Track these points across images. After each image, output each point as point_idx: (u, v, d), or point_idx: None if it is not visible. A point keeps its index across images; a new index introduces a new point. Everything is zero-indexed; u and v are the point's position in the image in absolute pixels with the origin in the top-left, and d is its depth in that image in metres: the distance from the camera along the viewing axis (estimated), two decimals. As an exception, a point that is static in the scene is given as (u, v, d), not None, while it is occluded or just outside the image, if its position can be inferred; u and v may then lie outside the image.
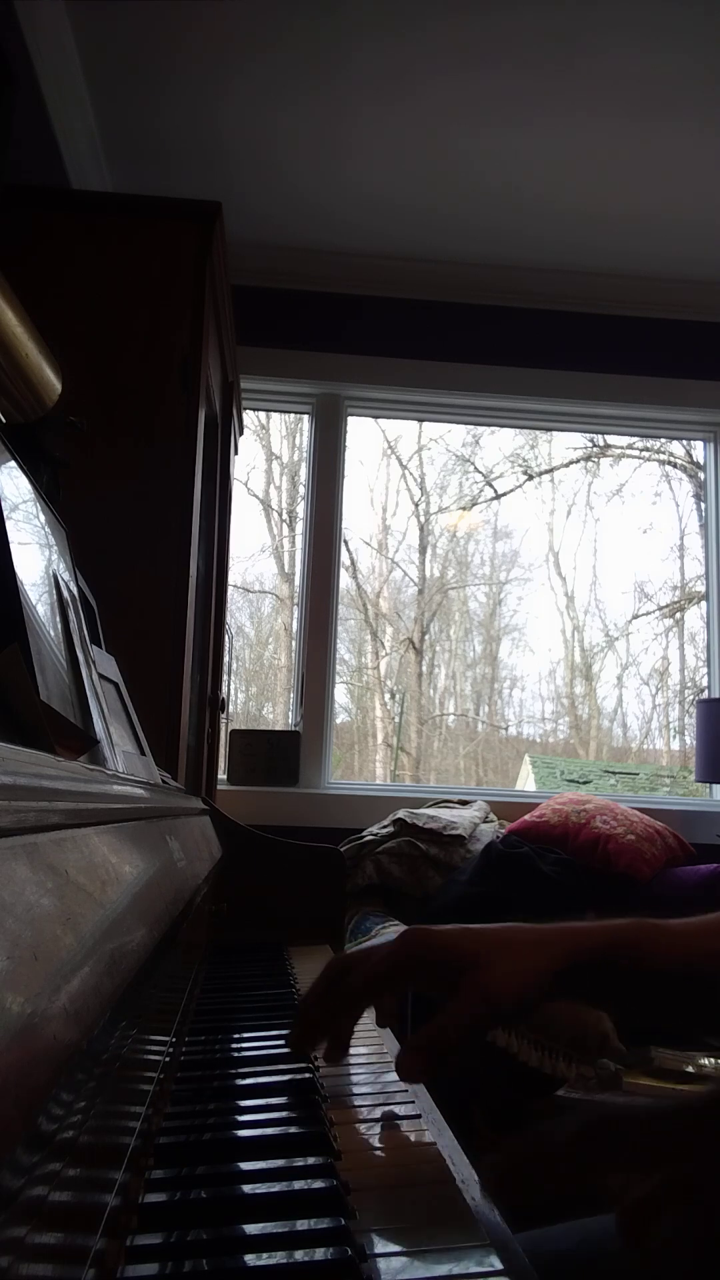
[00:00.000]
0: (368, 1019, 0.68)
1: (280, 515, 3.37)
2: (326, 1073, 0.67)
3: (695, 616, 3.28)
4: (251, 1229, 0.41)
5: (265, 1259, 0.39)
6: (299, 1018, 0.63)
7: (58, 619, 0.70)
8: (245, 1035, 0.77)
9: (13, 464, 0.76)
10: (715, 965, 0.61)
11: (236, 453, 2.69)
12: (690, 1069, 1.76)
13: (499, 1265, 0.39)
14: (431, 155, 2.52)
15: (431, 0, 2.04)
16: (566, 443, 3.35)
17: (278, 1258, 0.39)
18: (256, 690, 3.44)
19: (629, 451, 3.36)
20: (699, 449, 3.29)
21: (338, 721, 3.03)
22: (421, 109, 2.36)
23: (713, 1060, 1.77)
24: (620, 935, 0.61)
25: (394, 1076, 0.68)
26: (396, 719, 3.35)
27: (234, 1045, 0.75)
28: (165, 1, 2.05)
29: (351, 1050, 0.75)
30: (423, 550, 3.39)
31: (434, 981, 0.61)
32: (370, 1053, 0.74)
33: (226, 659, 2.51)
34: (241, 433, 2.76)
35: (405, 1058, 0.56)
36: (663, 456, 3.36)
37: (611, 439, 3.34)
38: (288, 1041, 0.64)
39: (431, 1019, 0.57)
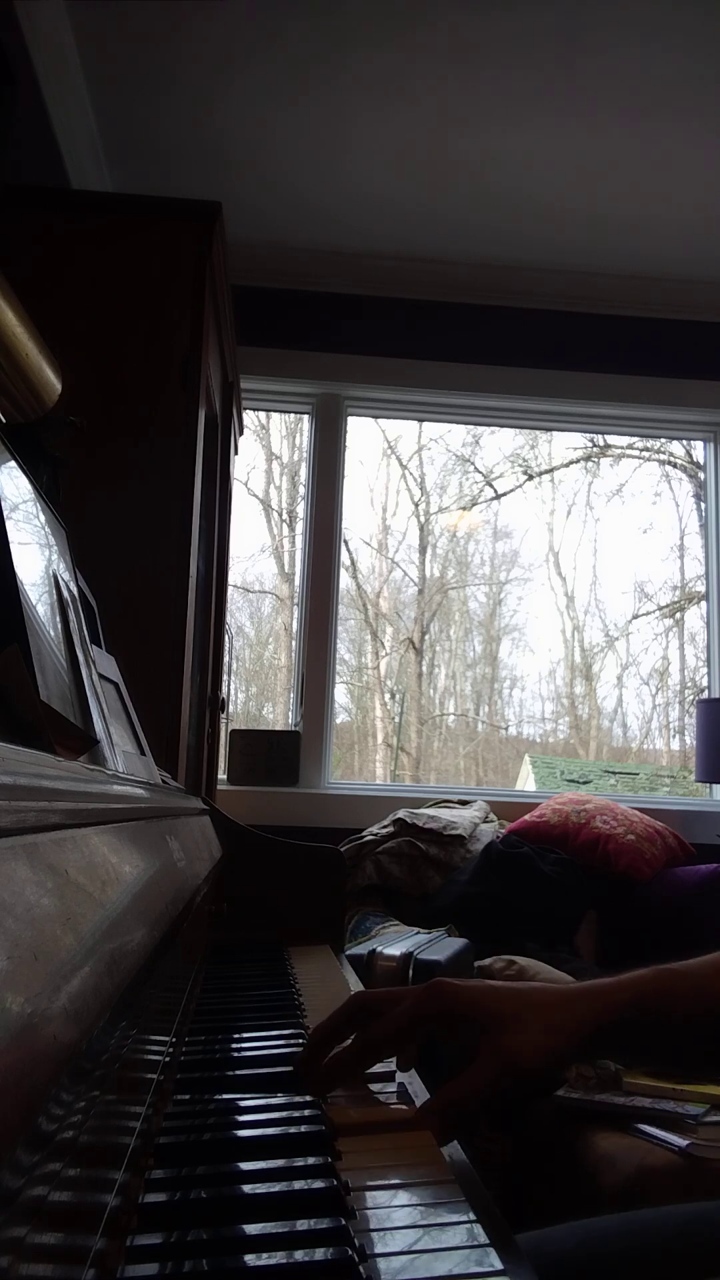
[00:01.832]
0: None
1: (280, 515, 3.37)
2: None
3: (695, 616, 3.28)
4: (251, 1229, 0.41)
5: (265, 1259, 0.39)
6: (312, 1050, 0.61)
7: (58, 619, 0.70)
8: (245, 1035, 0.77)
9: (13, 464, 0.76)
10: None
11: (236, 453, 2.69)
12: (690, 1069, 1.76)
13: (499, 1265, 0.39)
14: (431, 156, 2.52)
15: (431, 1, 2.04)
16: (566, 443, 3.35)
17: (278, 1258, 0.39)
18: (256, 690, 3.44)
19: (629, 451, 3.36)
20: (699, 449, 3.29)
21: (338, 721, 3.03)
22: (421, 110, 2.36)
23: (713, 1060, 1.77)
24: (645, 989, 0.60)
25: (395, 1076, 0.68)
26: (396, 719, 3.35)
27: (234, 1045, 0.75)
28: (165, 1, 2.05)
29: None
30: (423, 550, 3.39)
31: (455, 1034, 0.60)
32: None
33: (226, 659, 2.51)
34: (241, 433, 2.76)
35: (424, 1120, 0.56)
36: (663, 456, 3.36)
37: (611, 439, 3.34)
38: (303, 1079, 0.61)
39: (452, 1081, 0.57)
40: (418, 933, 1.99)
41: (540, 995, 0.59)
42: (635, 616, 3.36)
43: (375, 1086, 0.65)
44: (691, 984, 0.61)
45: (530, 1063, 0.56)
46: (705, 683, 3.17)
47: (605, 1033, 0.59)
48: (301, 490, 3.18)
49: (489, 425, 3.29)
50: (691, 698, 3.23)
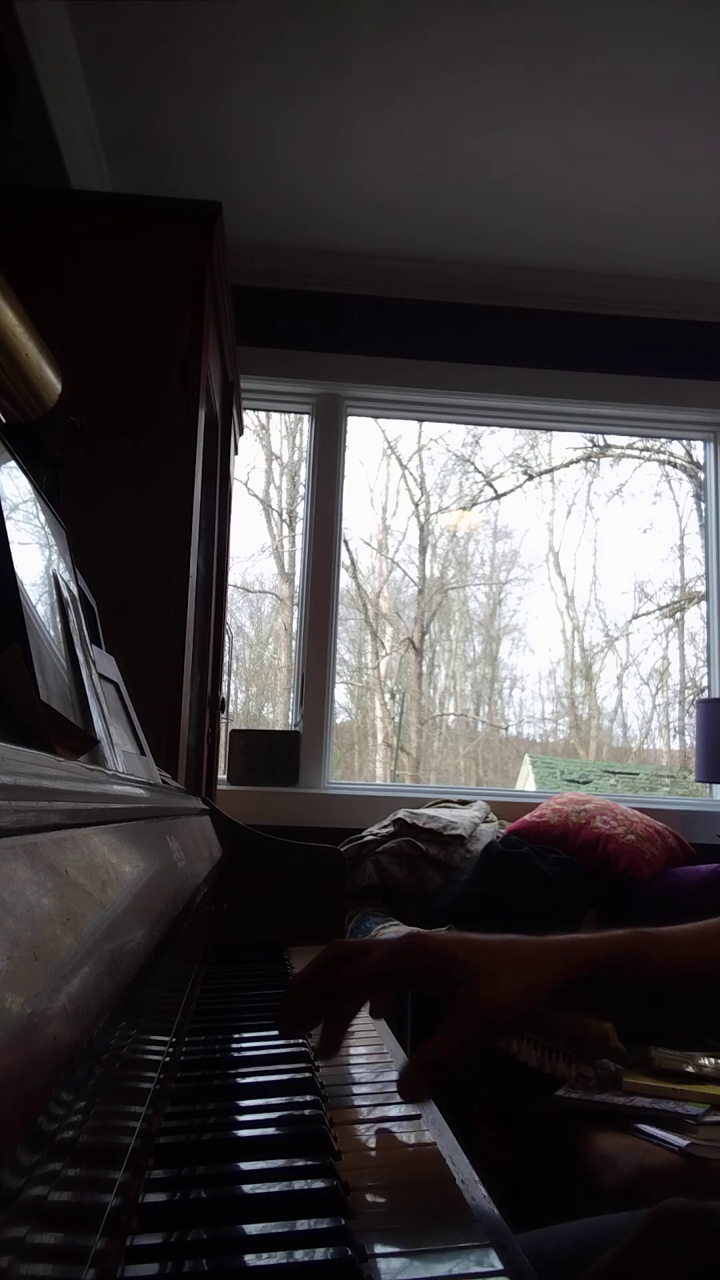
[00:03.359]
0: (362, 1017, 0.67)
1: (280, 515, 3.37)
2: (326, 1072, 0.67)
3: (695, 616, 3.28)
4: (251, 1229, 0.41)
5: (265, 1259, 0.39)
6: (291, 997, 0.62)
7: (58, 619, 0.70)
8: (245, 1035, 0.77)
9: (13, 464, 0.76)
10: (708, 972, 0.62)
11: (236, 453, 2.69)
12: (690, 1069, 1.76)
13: (499, 1265, 0.39)
14: (431, 155, 2.52)
15: (431, 0, 2.04)
16: (566, 443, 3.35)
17: (278, 1258, 0.39)
18: (256, 690, 3.44)
19: (629, 451, 3.36)
20: (699, 449, 3.29)
21: (338, 721, 3.03)
22: (421, 109, 2.36)
23: (713, 1060, 1.77)
24: (617, 948, 0.61)
25: (393, 1075, 0.68)
26: (396, 719, 3.35)
27: (234, 1045, 0.75)
28: (165, 2, 2.05)
29: (351, 1050, 0.76)
30: (423, 550, 3.39)
31: (430, 986, 0.61)
32: (370, 1052, 0.74)
33: (226, 659, 2.51)
34: (241, 433, 2.76)
35: (408, 1079, 0.56)
36: (663, 456, 3.36)
37: (611, 439, 3.34)
38: (279, 1021, 0.63)
39: (431, 1038, 0.57)
40: (418, 933, 1.99)
41: (514, 947, 0.60)
42: (635, 616, 3.36)
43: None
44: (664, 948, 0.62)
45: (505, 1011, 0.57)
46: (705, 683, 3.17)
47: (577, 985, 0.60)
48: (301, 490, 3.18)
49: (489, 425, 3.29)
50: (691, 698, 3.23)
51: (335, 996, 0.60)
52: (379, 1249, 0.41)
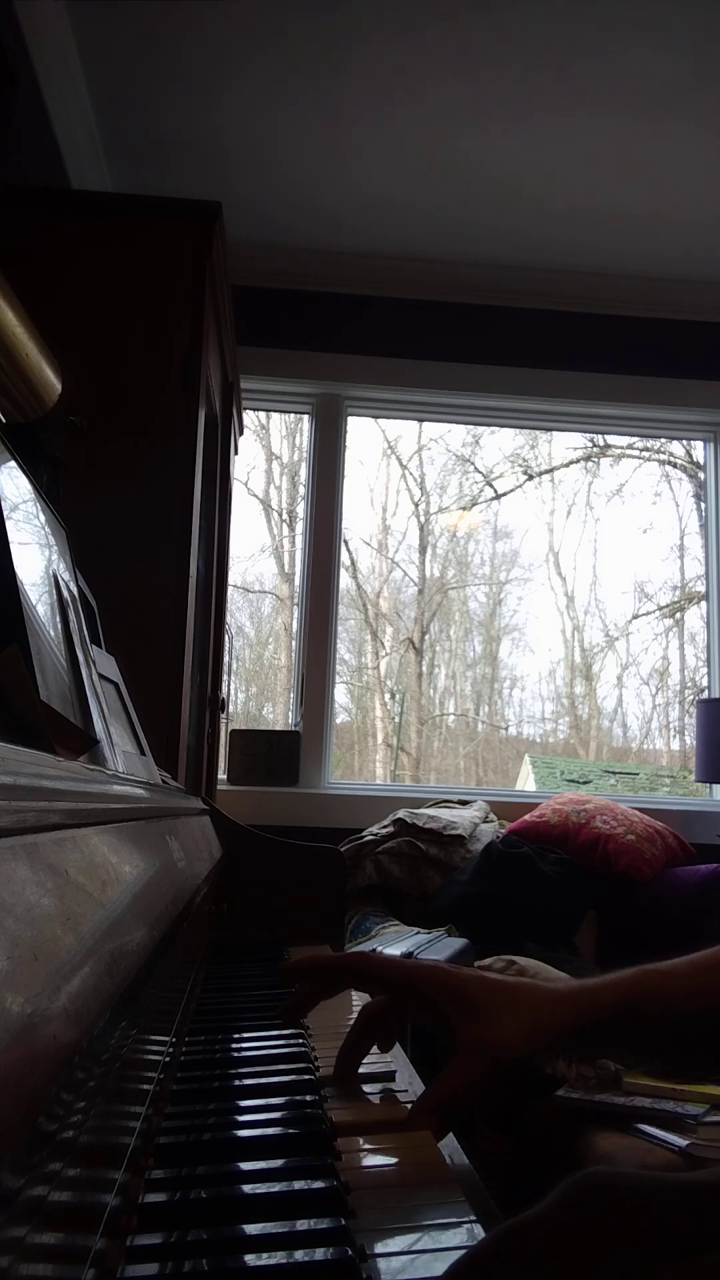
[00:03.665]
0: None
1: (280, 515, 3.37)
2: (326, 1072, 0.67)
3: (695, 616, 3.28)
4: (251, 1229, 0.41)
5: (265, 1259, 0.39)
6: (297, 996, 0.65)
7: (58, 619, 0.70)
8: (245, 1035, 0.77)
9: (13, 464, 0.76)
10: (715, 1002, 0.62)
11: (236, 453, 2.69)
12: (690, 1069, 1.75)
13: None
14: (431, 155, 2.52)
15: (431, 0, 2.04)
16: (566, 443, 3.35)
17: (278, 1258, 0.39)
18: (256, 690, 3.44)
19: (629, 451, 3.36)
20: (699, 449, 3.29)
21: (338, 721, 3.03)
22: (421, 109, 2.36)
23: (713, 1060, 1.77)
24: (627, 991, 0.61)
25: (394, 1072, 0.68)
26: (396, 719, 3.35)
27: (234, 1045, 0.75)
28: (165, 2, 2.05)
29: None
30: (423, 550, 3.39)
31: (436, 1018, 0.61)
32: (373, 1058, 0.74)
33: (226, 659, 2.51)
34: (241, 433, 2.76)
35: (418, 1119, 0.56)
36: (663, 456, 3.36)
37: (611, 439, 3.34)
38: (284, 1015, 0.66)
39: (441, 1077, 0.58)
40: (418, 933, 1.99)
41: (527, 992, 0.60)
42: (635, 616, 3.36)
43: (369, 1087, 0.65)
44: (677, 984, 0.62)
45: (511, 1053, 0.57)
46: (705, 683, 3.17)
47: (593, 1032, 0.60)
48: (301, 490, 3.18)
49: (489, 425, 3.29)
50: (691, 698, 3.23)
51: (346, 969, 0.61)
52: (379, 1249, 0.41)
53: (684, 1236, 0.35)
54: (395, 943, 1.74)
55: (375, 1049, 0.69)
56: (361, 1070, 0.67)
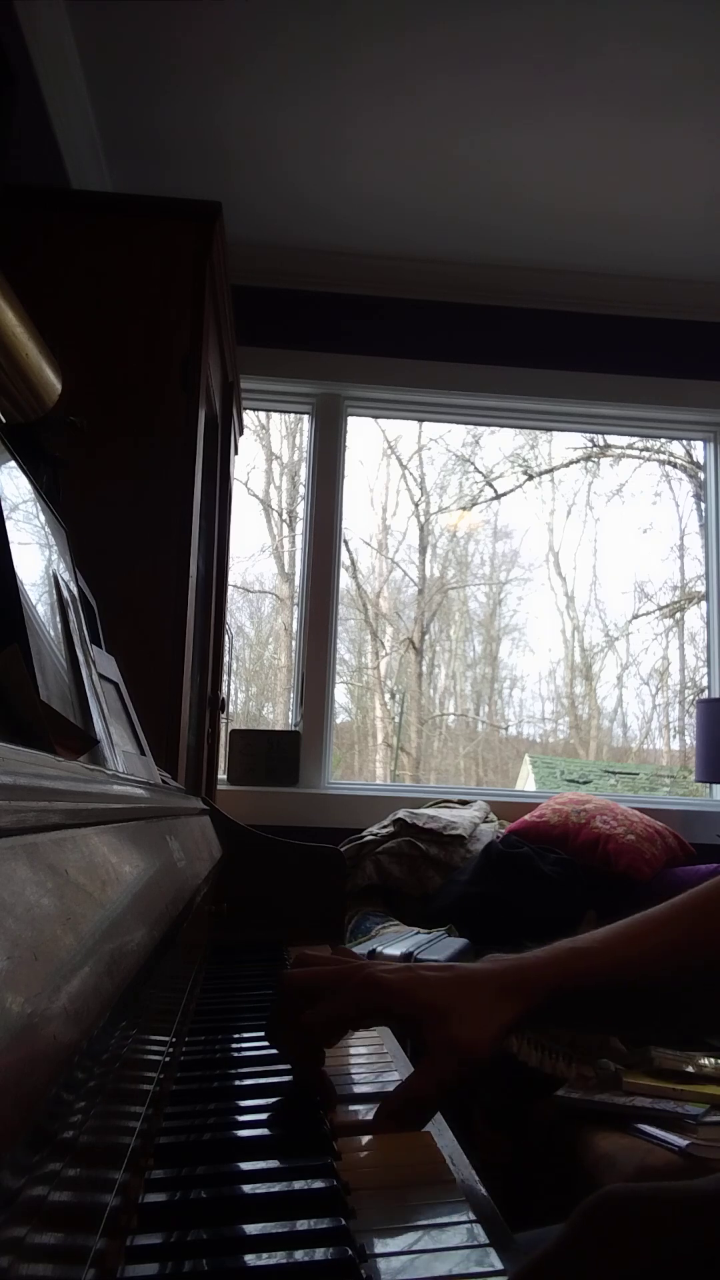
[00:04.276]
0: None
1: (280, 515, 3.37)
2: (326, 1071, 0.67)
3: (695, 616, 3.28)
4: (251, 1229, 0.41)
5: (265, 1259, 0.39)
6: (270, 1039, 0.63)
7: (58, 619, 0.70)
8: (245, 1035, 0.77)
9: (13, 464, 0.76)
10: (636, 972, 0.63)
11: (236, 453, 2.69)
12: (690, 1069, 1.76)
13: (499, 1265, 0.39)
14: (431, 155, 2.52)
15: (431, 0, 2.04)
16: (566, 443, 3.35)
17: (277, 1258, 0.39)
18: (256, 690, 3.44)
19: (629, 451, 3.36)
20: (699, 449, 3.29)
21: (338, 721, 3.03)
22: (421, 109, 2.36)
23: (713, 1060, 1.77)
24: (556, 970, 0.62)
25: (393, 1076, 0.68)
26: (396, 719, 3.35)
27: (234, 1045, 0.75)
28: (165, 1, 2.05)
29: (350, 1050, 0.76)
30: (423, 550, 3.39)
31: (391, 1024, 0.61)
32: (369, 1052, 0.74)
33: (226, 659, 2.51)
34: (241, 433, 2.76)
35: (384, 1123, 0.56)
36: (663, 456, 3.36)
37: (611, 439, 3.34)
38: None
39: (410, 1077, 0.58)
40: (418, 933, 1.99)
41: (470, 983, 0.60)
42: (635, 616, 3.36)
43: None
44: (589, 959, 0.63)
45: (479, 1049, 0.57)
46: (705, 683, 3.17)
47: (533, 1013, 0.61)
48: (301, 490, 3.18)
49: (489, 425, 3.29)
50: (691, 698, 3.23)
51: (301, 1041, 0.60)
52: (379, 1249, 0.41)
53: (706, 1249, 0.35)
54: (395, 943, 1.74)
55: (371, 1048, 0.68)
56: (360, 1067, 0.67)
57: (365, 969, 0.61)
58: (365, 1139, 0.56)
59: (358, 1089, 0.67)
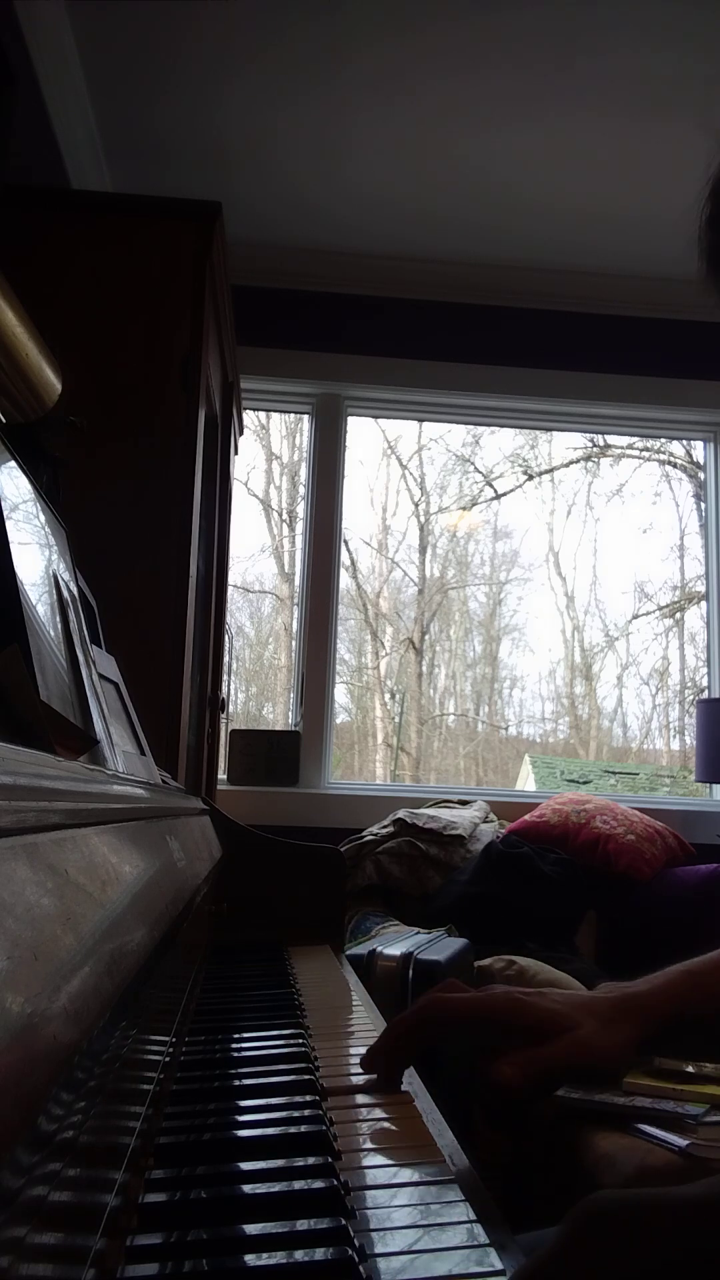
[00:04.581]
0: (368, 1028, 0.67)
1: (280, 515, 3.37)
2: (326, 1072, 0.67)
3: (695, 616, 3.28)
4: (251, 1229, 0.41)
5: (265, 1259, 0.39)
6: (387, 1040, 0.63)
7: (58, 619, 0.70)
8: (245, 1035, 0.77)
9: (13, 464, 0.76)
10: None
11: (236, 453, 2.69)
12: (690, 1069, 1.76)
13: (499, 1265, 0.39)
14: (431, 155, 2.52)
15: (431, 1, 2.04)
16: (566, 443, 3.35)
17: (278, 1257, 0.39)
18: (256, 690, 3.44)
19: (629, 451, 3.36)
20: (699, 449, 3.29)
21: (338, 721, 3.03)
22: (421, 109, 2.36)
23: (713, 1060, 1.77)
24: (674, 997, 0.62)
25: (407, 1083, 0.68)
26: (396, 719, 3.35)
27: (234, 1045, 0.75)
28: (165, 1, 2.05)
29: (350, 1050, 0.75)
30: (423, 550, 3.39)
31: (512, 1038, 0.61)
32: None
33: (226, 659, 2.51)
34: (241, 433, 2.76)
35: (506, 1067, 0.57)
36: (663, 456, 3.36)
37: (611, 439, 3.34)
38: (367, 1060, 0.64)
39: (533, 1049, 0.58)
40: (418, 933, 1.99)
41: (594, 1004, 0.61)
42: (635, 616, 3.36)
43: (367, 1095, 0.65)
44: (708, 984, 0.63)
45: (608, 1060, 0.59)
46: (705, 683, 3.17)
47: (648, 1038, 0.61)
48: (301, 490, 3.18)
49: (489, 425, 3.29)
50: (691, 698, 3.23)
51: (422, 1025, 0.61)
52: (378, 1249, 0.41)
53: (696, 1254, 0.35)
54: (395, 943, 1.74)
55: (372, 1022, 0.68)
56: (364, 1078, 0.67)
57: (511, 994, 0.62)
58: (366, 1139, 0.56)
59: (359, 1094, 0.66)
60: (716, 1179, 0.37)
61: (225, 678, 2.49)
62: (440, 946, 1.78)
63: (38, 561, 0.70)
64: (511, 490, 3.37)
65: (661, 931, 2.37)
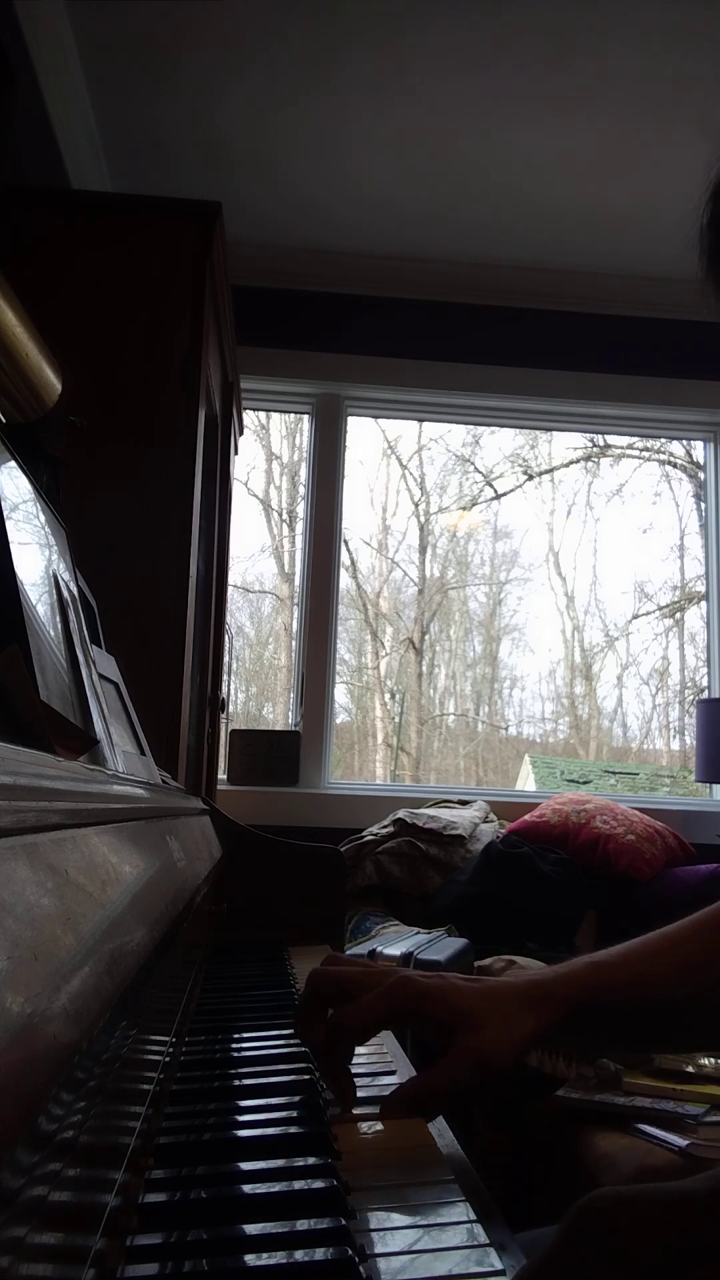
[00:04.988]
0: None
1: (280, 515, 3.37)
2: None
3: (695, 616, 3.28)
4: (251, 1229, 0.41)
5: (265, 1259, 0.39)
6: (299, 1035, 0.64)
7: (58, 619, 0.70)
8: (245, 1035, 0.77)
9: (13, 464, 0.76)
10: (653, 989, 0.64)
11: (236, 453, 2.69)
12: (690, 1069, 1.76)
13: (499, 1265, 0.39)
14: (431, 155, 2.52)
15: (431, 1, 2.04)
16: (566, 443, 3.35)
17: (278, 1257, 0.39)
18: (256, 690, 3.44)
19: (629, 451, 3.36)
20: (699, 449, 3.29)
21: (338, 721, 3.03)
22: (421, 109, 2.36)
23: (713, 1060, 1.77)
24: (577, 985, 0.63)
25: (392, 1079, 0.68)
26: (396, 719, 3.35)
27: (234, 1045, 0.75)
28: (165, 2, 2.05)
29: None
30: (423, 550, 3.39)
31: (421, 1028, 0.62)
32: (370, 1052, 0.74)
33: (226, 659, 2.51)
34: (241, 433, 2.76)
35: (390, 1106, 0.57)
36: (663, 456, 3.36)
37: (611, 439, 3.34)
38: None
39: (426, 1071, 0.59)
40: (418, 933, 1.99)
41: (497, 995, 0.61)
42: (635, 616, 3.36)
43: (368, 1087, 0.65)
44: (609, 973, 0.64)
45: (504, 1061, 0.58)
46: (705, 683, 3.17)
47: (554, 1026, 0.61)
48: (301, 490, 3.18)
49: (489, 425, 3.29)
50: (691, 698, 3.23)
51: (332, 1036, 0.61)
52: (379, 1248, 0.41)
53: (695, 1248, 0.35)
54: (395, 943, 1.74)
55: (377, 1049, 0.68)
56: (361, 1070, 0.67)
57: (399, 971, 0.62)
58: (366, 1138, 0.56)
59: (358, 1090, 0.66)
60: (714, 1173, 0.38)
61: (225, 678, 2.49)
62: (440, 946, 1.78)
63: (38, 561, 0.70)
64: (511, 490, 3.37)
65: (661, 931, 2.37)
